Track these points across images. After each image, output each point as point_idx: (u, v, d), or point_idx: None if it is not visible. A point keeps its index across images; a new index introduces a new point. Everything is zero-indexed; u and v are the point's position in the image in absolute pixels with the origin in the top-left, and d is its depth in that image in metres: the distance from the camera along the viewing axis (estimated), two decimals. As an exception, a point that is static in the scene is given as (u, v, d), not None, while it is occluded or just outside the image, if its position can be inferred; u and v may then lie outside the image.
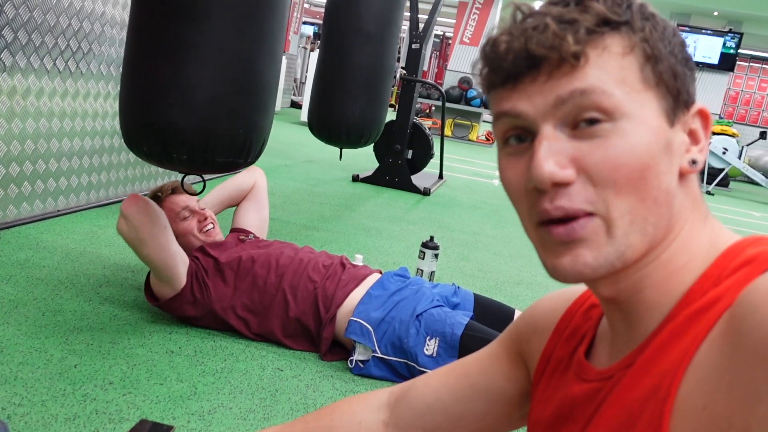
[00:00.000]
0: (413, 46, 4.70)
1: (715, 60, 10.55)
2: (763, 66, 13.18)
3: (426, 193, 4.78)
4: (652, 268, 0.55)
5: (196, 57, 1.39)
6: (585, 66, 0.51)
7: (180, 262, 1.77)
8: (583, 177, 0.51)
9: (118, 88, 2.86)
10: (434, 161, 5.30)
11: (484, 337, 1.68)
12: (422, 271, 2.41)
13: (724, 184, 9.57)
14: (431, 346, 1.69)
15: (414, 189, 4.80)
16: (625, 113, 0.51)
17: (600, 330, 0.65)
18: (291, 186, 4.27)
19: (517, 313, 1.95)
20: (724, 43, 10.49)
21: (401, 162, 4.86)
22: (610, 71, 0.51)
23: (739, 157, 8.91)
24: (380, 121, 3.12)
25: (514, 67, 0.53)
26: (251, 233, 2.10)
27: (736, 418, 0.42)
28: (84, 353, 1.60)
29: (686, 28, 10.64)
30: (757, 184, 9.43)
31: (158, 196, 1.94)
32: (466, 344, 1.67)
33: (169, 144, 1.42)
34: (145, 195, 1.83)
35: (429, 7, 5.03)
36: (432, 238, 2.44)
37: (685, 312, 0.52)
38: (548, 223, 0.53)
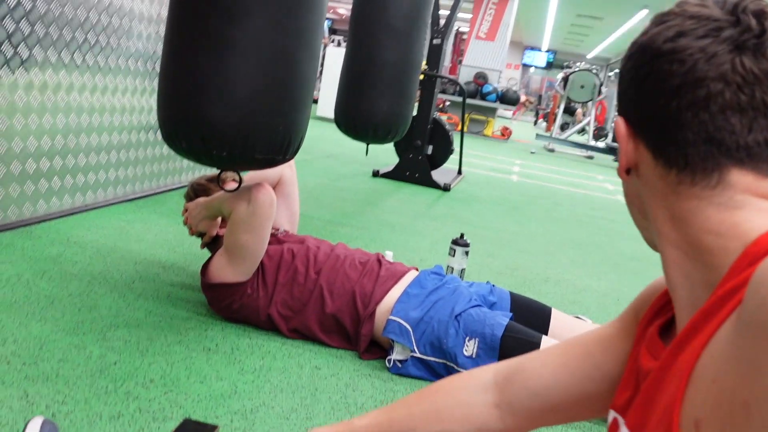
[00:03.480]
0: (434, 41, 4.67)
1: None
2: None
3: (446, 188, 4.75)
4: None
5: (235, 53, 1.37)
6: None
7: (260, 259, 1.80)
8: None
9: (146, 83, 2.88)
10: (453, 156, 5.27)
11: (525, 339, 1.66)
12: (452, 268, 2.39)
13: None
14: (470, 347, 1.67)
15: (434, 185, 4.77)
16: None
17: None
18: (312, 181, 4.26)
19: (554, 312, 1.92)
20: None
21: (422, 158, 4.83)
22: None
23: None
24: (407, 116, 3.10)
25: None
26: (280, 228, 2.08)
27: (738, 391, 0.44)
28: (122, 350, 1.60)
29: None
30: None
31: (206, 188, 1.94)
32: (506, 345, 1.64)
33: (208, 140, 1.41)
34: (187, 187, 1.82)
35: (449, 2, 5.00)
36: (462, 235, 2.42)
37: (719, 291, 0.52)
38: None
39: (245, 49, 1.35)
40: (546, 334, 1.86)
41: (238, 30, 1.34)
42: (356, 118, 2.96)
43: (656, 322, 0.68)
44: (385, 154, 6.17)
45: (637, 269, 3.31)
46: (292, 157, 1.57)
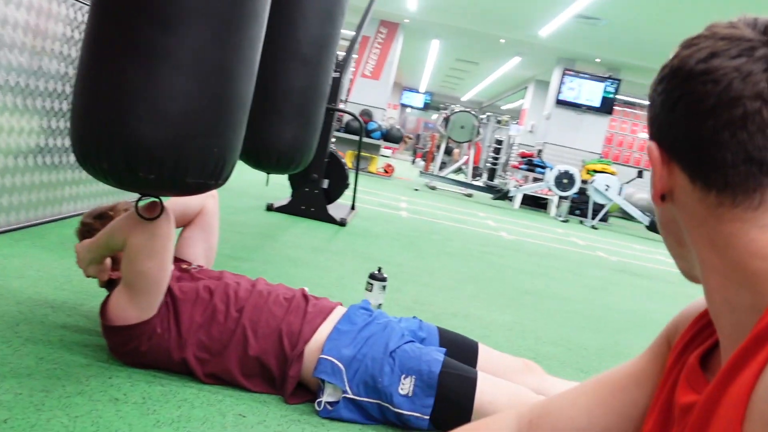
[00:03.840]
0: (334, 74, 4.64)
1: (597, 103, 11.32)
2: (635, 111, 14.32)
3: (342, 223, 4.69)
4: None
5: (170, 65, 1.24)
6: None
7: (166, 289, 1.60)
8: None
9: (24, 101, 2.59)
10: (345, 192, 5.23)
11: (463, 375, 1.61)
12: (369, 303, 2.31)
13: (603, 219, 10.19)
14: (407, 385, 1.60)
15: (330, 219, 4.70)
16: None
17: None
18: (204, 214, 4.04)
19: (481, 347, 1.89)
20: (605, 88, 11.29)
21: (318, 191, 4.75)
22: None
23: (619, 194, 9.53)
24: (312, 146, 3.01)
25: None
26: (194, 263, 1.91)
27: None
28: (13, 405, 1.37)
29: (572, 73, 11.36)
30: (631, 218, 10.14)
31: (109, 216, 1.73)
32: (443, 382, 1.58)
33: (134, 161, 1.25)
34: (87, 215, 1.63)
35: (346, 43, 5.02)
36: (380, 269, 2.36)
37: (765, 321, 0.50)
38: None
39: (180, 61, 1.22)
40: (475, 366, 1.83)
41: (173, 39, 1.21)
42: (258, 147, 2.83)
43: (694, 350, 0.64)
44: (276, 188, 6.02)
45: (533, 303, 3.40)
46: (224, 183, 1.44)
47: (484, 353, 1.88)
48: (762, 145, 0.54)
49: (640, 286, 4.75)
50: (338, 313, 1.77)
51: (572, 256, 5.76)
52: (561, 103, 11.36)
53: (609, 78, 11.37)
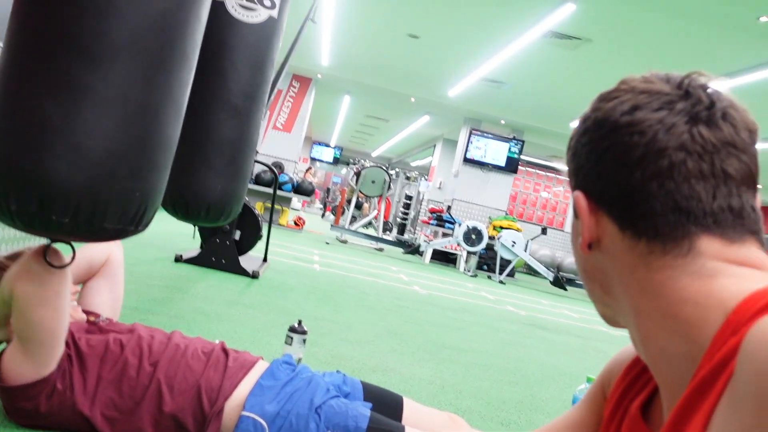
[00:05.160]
0: (249, 124, 4.59)
1: (502, 162, 11.79)
2: (537, 171, 15.05)
3: (255, 275, 4.56)
4: None
5: (93, 102, 1.16)
6: None
7: (64, 340, 1.45)
8: None
9: None
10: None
11: (390, 430, 1.56)
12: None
13: (510, 274, 10.49)
14: (334, 442, 1.52)
15: (242, 271, 4.56)
16: None
17: None
18: (108, 265, 3.81)
19: (405, 401, 1.85)
20: (510, 148, 11.80)
21: (229, 243, 4.61)
22: None
23: (525, 250, 9.86)
24: (241, 197, 2.94)
25: None
26: (102, 315, 1.78)
27: None
28: None
29: (478, 132, 11.82)
30: (536, 274, 10.50)
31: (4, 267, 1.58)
32: (372, 438, 1.53)
33: (48, 203, 1.15)
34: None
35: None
36: (300, 322, 2.29)
37: (708, 364, 0.51)
38: None
39: (104, 98, 1.15)
40: (400, 421, 1.78)
41: (97, 75, 1.14)
42: (188, 198, 2.72)
43: (633, 399, 0.64)
44: (181, 239, 5.81)
45: (451, 356, 3.40)
46: (143, 230, 1.35)
47: (409, 408, 1.84)
48: (688, 194, 0.56)
49: (550, 340, 4.87)
50: (260, 367, 1.68)
51: (484, 310, 5.86)
52: (468, 161, 11.75)
53: (513, 139, 11.92)
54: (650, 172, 0.56)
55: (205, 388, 1.56)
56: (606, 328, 5.68)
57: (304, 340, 2.26)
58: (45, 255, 1.36)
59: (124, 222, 1.26)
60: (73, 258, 1.39)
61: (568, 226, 14.83)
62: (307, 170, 13.80)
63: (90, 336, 1.58)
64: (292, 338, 2.23)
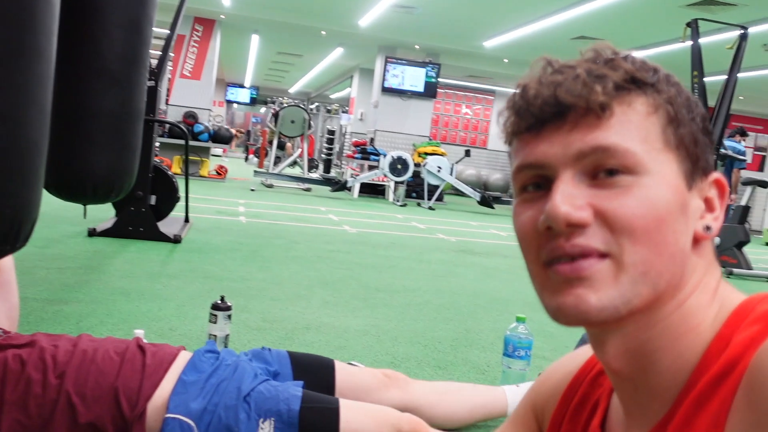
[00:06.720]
0: (148, 83, 4.30)
1: (420, 88, 11.69)
2: (456, 92, 15.04)
3: (177, 240, 4.40)
4: (661, 329, 0.53)
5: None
6: (610, 119, 0.51)
7: None
8: (600, 221, 0.50)
9: None
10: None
11: (324, 407, 1.53)
12: (215, 336, 2.16)
13: (439, 198, 10.61)
14: (266, 429, 1.48)
15: (163, 237, 4.38)
16: (646, 169, 0.51)
17: (614, 401, 0.61)
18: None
19: (337, 366, 1.83)
20: (426, 73, 11.68)
21: (145, 209, 4.41)
22: (633, 128, 0.51)
23: (451, 173, 9.95)
24: (131, 171, 2.76)
25: (540, 112, 0.53)
26: (-1, 329, 1.65)
27: None
28: None
29: (394, 60, 11.62)
30: (464, 195, 10.67)
31: None
32: (305, 418, 1.49)
33: None
34: None
35: (159, 42, 4.69)
36: (223, 297, 2.20)
37: (704, 378, 0.49)
38: (556, 263, 0.52)
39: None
40: (334, 390, 1.76)
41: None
42: (69, 178, 2.53)
43: (590, 419, 0.61)
44: (96, 209, 5.53)
45: (384, 300, 3.40)
46: (23, 245, 1.22)
47: (342, 372, 1.82)
48: None
49: (480, 265, 4.96)
50: (182, 360, 1.60)
51: (415, 242, 5.90)
52: (387, 90, 11.58)
53: (429, 63, 11.78)
54: None
55: (123, 391, 1.47)
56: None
57: (229, 316, 2.18)
58: None
59: (-5, 242, 1.13)
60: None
61: (490, 144, 15.05)
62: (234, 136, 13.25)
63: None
64: (216, 316, 2.15)
